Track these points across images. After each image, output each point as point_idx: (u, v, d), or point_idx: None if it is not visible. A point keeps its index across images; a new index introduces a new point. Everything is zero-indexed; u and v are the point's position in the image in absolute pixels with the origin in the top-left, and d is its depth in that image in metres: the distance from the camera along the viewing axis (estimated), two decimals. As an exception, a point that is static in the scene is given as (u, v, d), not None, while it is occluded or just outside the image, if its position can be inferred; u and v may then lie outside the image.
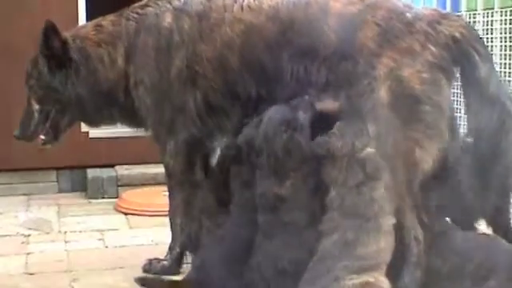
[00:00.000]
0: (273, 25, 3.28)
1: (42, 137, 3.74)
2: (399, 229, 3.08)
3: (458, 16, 3.42)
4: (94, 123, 3.94)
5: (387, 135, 3.06)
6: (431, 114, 3.05)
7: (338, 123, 3.07)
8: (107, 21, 3.64)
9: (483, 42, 3.24)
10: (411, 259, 3.10)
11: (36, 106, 3.69)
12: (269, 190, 3.07)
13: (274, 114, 3.14)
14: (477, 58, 3.08)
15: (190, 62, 3.41)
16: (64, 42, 3.59)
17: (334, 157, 3.00)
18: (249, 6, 3.34)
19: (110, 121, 3.85)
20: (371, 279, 2.84)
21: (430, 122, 3.05)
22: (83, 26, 3.72)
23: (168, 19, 3.47)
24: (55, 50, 3.59)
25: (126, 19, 3.58)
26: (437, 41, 3.07)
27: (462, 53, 3.09)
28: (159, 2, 3.53)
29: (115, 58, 3.57)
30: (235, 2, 3.36)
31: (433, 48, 3.06)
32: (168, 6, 3.50)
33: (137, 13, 3.57)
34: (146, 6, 3.57)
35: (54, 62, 3.60)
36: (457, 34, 3.08)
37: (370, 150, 3.01)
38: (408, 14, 3.13)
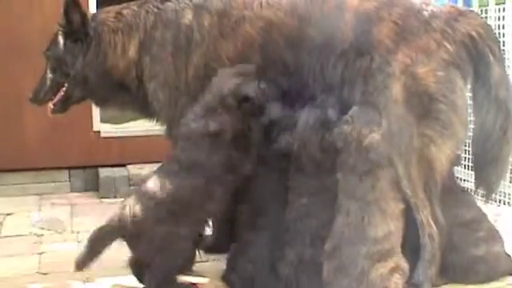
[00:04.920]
0: (291, 21, 3.28)
1: (51, 106, 3.78)
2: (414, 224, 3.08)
3: (477, 14, 3.38)
4: (102, 105, 3.96)
5: (401, 131, 3.05)
6: (446, 112, 3.04)
7: (351, 110, 3.12)
8: (129, 10, 3.65)
9: (499, 44, 3.22)
10: (425, 256, 3.09)
11: (49, 75, 3.76)
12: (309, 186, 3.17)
13: (307, 116, 3.20)
14: (491, 59, 3.07)
15: (209, 60, 3.41)
16: (84, 17, 3.62)
17: (346, 142, 3.07)
18: (268, 3, 3.34)
19: (121, 106, 3.88)
20: (393, 264, 2.92)
21: (444, 120, 3.04)
22: (107, 11, 3.72)
23: (188, 16, 3.47)
24: (74, 24, 3.62)
25: (145, 11, 3.58)
26: (453, 39, 3.06)
27: (477, 52, 3.07)
28: None
29: (128, 49, 3.58)
30: None
31: (449, 46, 3.05)
32: (188, 2, 3.50)
33: (157, 7, 3.57)
34: (167, 0, 3.56)
35: (70, 36, 3.64)
36: (474, 33, 3.07)
37: (375, 135, 3.04)
38: (425, 12, 3.12)
